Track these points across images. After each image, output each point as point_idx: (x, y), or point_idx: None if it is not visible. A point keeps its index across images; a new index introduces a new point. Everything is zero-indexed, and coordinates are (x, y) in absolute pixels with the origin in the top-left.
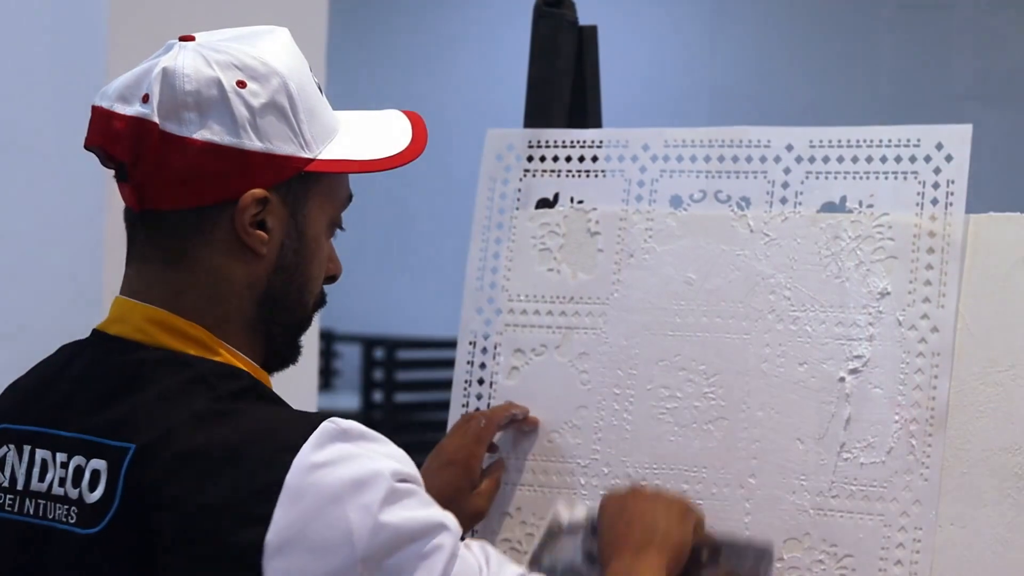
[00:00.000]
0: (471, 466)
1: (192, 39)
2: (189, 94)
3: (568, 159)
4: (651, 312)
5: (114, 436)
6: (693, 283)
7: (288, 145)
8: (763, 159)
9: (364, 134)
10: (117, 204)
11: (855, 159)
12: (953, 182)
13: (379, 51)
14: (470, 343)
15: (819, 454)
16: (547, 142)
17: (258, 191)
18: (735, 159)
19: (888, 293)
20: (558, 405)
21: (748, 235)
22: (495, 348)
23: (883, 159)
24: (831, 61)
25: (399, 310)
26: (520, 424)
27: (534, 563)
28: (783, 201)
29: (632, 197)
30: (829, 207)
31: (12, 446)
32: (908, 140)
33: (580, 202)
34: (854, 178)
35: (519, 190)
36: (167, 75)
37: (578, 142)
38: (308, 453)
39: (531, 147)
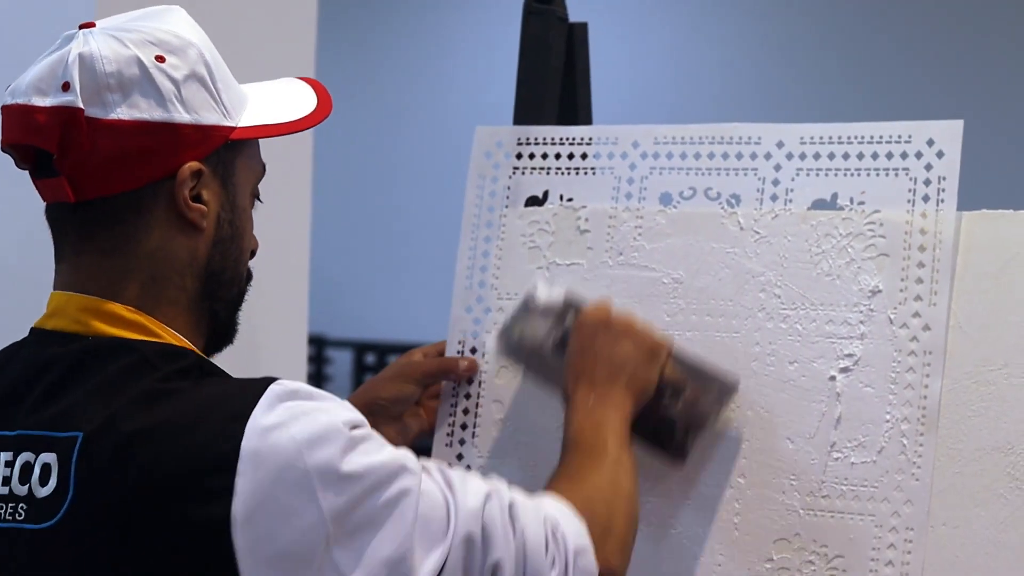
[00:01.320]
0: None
1: (93, 25)
2: (111, 75)
3: (558, 156)
4: (640, 310)
5: (61, 428)
6: (683, 281)
7: (212, 114)
8: (753, 156)
9: (272, 101)
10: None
11: (846, 156)
12: (945, 179)
13: (369, 50)
14: (459, 342)
15: (809, 453)
16: (537, 139)
17: (193, 163)
18: (725, 156)
19: (879, 291)
20: (548, 404)
21: (738, 232)
22: (484, 347)
23: (874, 156)
24: (823, 58)
25: (390, 315)
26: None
27: (503, 334)
28: (773, 198)
29: (622, 195)
30: (820, 204)
31: None
32: (899, 136)
33: (570, 200)
34: (845, 175)
35: (508, 188)
36: (84, 60)
37: (568, 139)
38: (259, 417)
39: (520, 144)
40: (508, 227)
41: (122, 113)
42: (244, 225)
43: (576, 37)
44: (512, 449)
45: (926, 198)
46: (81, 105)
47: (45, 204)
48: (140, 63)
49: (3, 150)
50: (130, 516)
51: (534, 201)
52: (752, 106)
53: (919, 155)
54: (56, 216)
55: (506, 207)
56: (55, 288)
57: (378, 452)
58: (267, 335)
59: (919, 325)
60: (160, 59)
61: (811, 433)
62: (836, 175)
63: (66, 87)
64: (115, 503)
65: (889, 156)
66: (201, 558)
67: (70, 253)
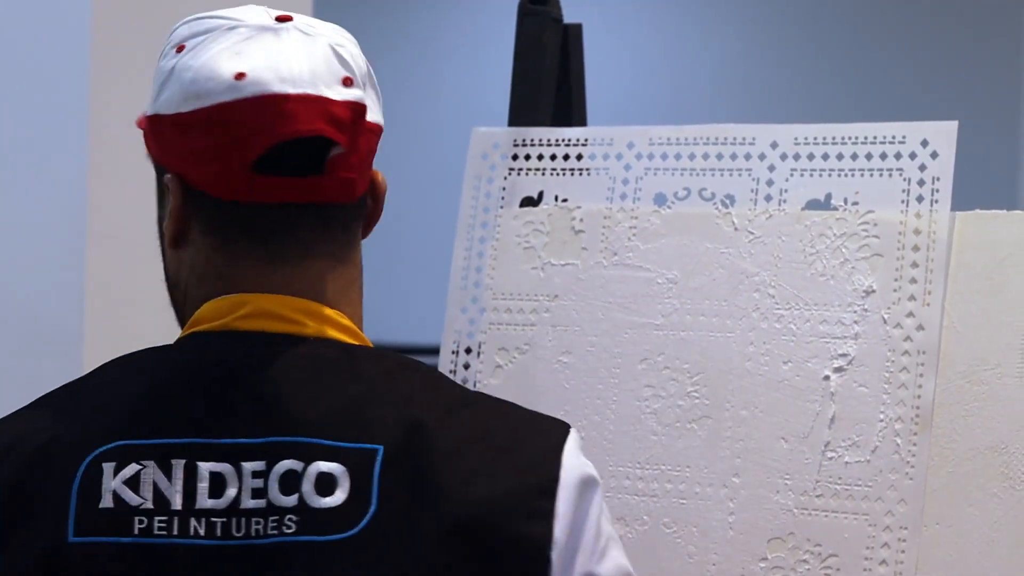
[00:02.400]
0: None
1: (291, 18)
2: (366, 75)
3: (553, 157)
4: (635, 311)
5: (346, 437)
6: (677, 281)
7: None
8: (748, 156)
9: None
10: (97, 204)
11: (840, 156)
12: (939, 179)
13: (364, 51)
14: (454, 342)
15: (803, 453)
16: (532, 140)
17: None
18: (720, 157)
19: (873, 291)
20: (541, 404)
21: (732, 233)
22: (479, 347)
23: (868, 156)
24: (818, 60)
25: (386, 316)
26: None
27: None
28: (767, 199)
29: (616, 195)
30: (814, 204)
31: (151, 462)
32: (893, 137)
33: (564, 200)
34: (839, 175)
35: (504, 188)
36: (343, 56)
37: (563, 140)
38: (572, 454)
39: (516, 145)
40: (503, 228)
41: (375, 116)
42: None
43: (571, 38)
44: None
45: (920, 198)
46: (366, 102)
47: (248, 201)
48: (367, 63)
49: (301, 137)
50: (448, 527)
51: (529, 202)
52: (747, 107)
53: (913, 156)
54: (285, 215)
55: (501, 208)
56: (253, 291)
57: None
58: None
59: (913, 325)
60: (369, 62)
61: (805, 433)
62: (830, 176)
63: (348, 82)
64: (430, 517)
65: (883, 157)
66: (522, 569)
67: (296, 256)
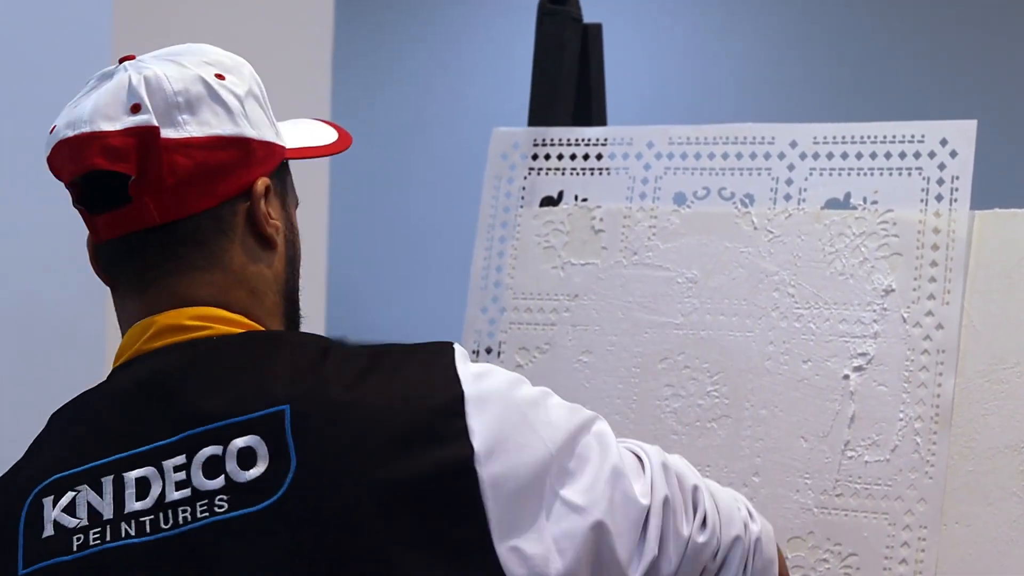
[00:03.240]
0: None
1: (134, 58)
2: (179, 94)
3: (573, 157)
4: (655, 310)
5: (251, 409)
6: (697, 280)
7: (269, 132)
8: (767, 156)
9: (295, 128)
10: None
11: (859, 155)
12: (958, 178)
13: (385, 53)
14: (475, 342)
15: (823, 452)
16: (552, 140)
17: (265, 179)
18: (739, 156)
19: (892, 290)
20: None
21: (752, 232)
22: (499, 347)
23: (887, 155)
24: (838, 59)
25: (406, 316)
26: None
27: None
28: (787, 198)
29: (636, 194)
30: (833, 204)
31: (84, 486)
32: (912, 136)
33: (584, 200)
34: (858, 174)
35: (524, 188)
36: (150, 81)
37: (583, 140)
38: (463, 367)
39: (536, 145)
40: (523, 227)
41: (194, 130)
42: (299, 244)
43: (591, 38)
44: None
45: (939, 197)
46: (156, 123)
47: (102, 242)
48: (204, 81)
49: (68, 185)
50: (368, 469)
51: (549, 201)
52: (769, 107)
53: (932, 155)
54: (126, 247)
55: (521, 207)
56: (135, 320)
57: (563, 402)
58: None
59: (932, 324)
60: (220, 76)
61: (825, 432)
62: (849, 175)
63: (136, 108)
64: (351, 460)
65: (902, 156)
66: (449, 497)
67: (154, 277)
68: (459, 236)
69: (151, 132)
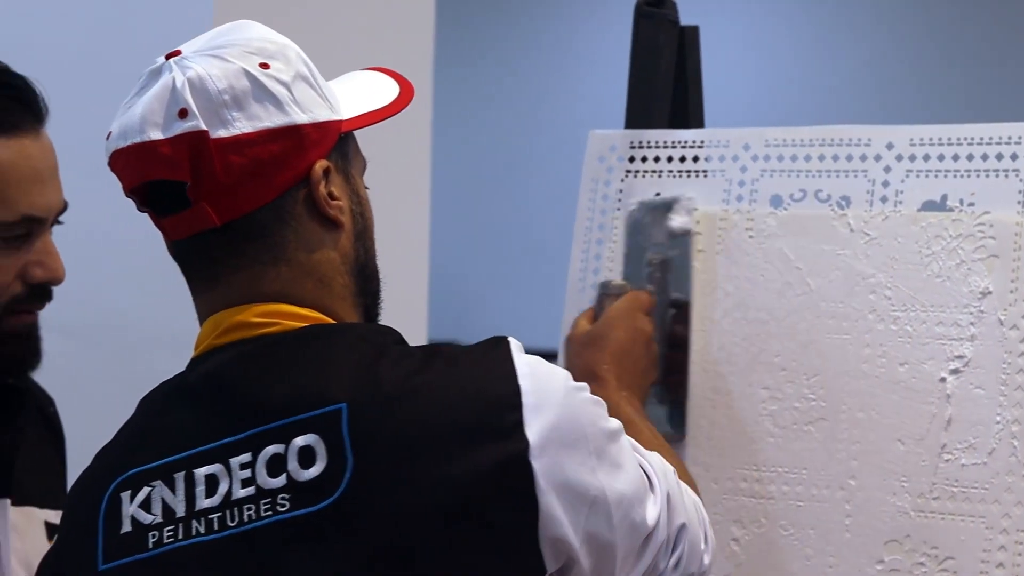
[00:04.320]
0: None
1: (180, 52)
2: (224, 92)
3: (669, 159)
4: (750, 312)
5: (309, 408)
6: (793, 283)
7: (323, 111)
8: (863, 158)
9: (356, 91)
10: None
11: (956, 157)
12: None
13: (483, 55)
14: None
15: (920, 455)
16: (649, 143)
17: (323, 161)
18: (835, 158)
19: (989, 292)
20: None
21: (848, 234)
22: None
23: (984, 157)
24: (947, 60)
25: (504, 319)
26: None
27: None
28: (883, 200)
29: (733, 197)
30: (930, 206)
31: (158, 482)
32: (1009, 137)
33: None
34: (955, 176)
35: (620, 191)
36: (194, 84)
37: (679, 143)
38: (519, 359)
39: (633, 148)
40: (620, 230)
41: (244, 127)
42: (371, 214)
43: (688, 40)
44: None
45: None
46: (204, 127)
47: (172, 242)
48: (248, 74)
49: (128, 195)
50: (425, 468)
51: None
52: (871, 109)
53: None
54: (194, 246)
55: (618, 210)
56: (208, 314)
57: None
58: None
59: None
60: (264, 66)
61: (921, 435)
62: (946, 176)
63: (183, 114)
64: (407, 460)
65: (999, 157)
66: (505, 491)
67: (223, 275)
68: (559, 238)
69: (200, 136)
